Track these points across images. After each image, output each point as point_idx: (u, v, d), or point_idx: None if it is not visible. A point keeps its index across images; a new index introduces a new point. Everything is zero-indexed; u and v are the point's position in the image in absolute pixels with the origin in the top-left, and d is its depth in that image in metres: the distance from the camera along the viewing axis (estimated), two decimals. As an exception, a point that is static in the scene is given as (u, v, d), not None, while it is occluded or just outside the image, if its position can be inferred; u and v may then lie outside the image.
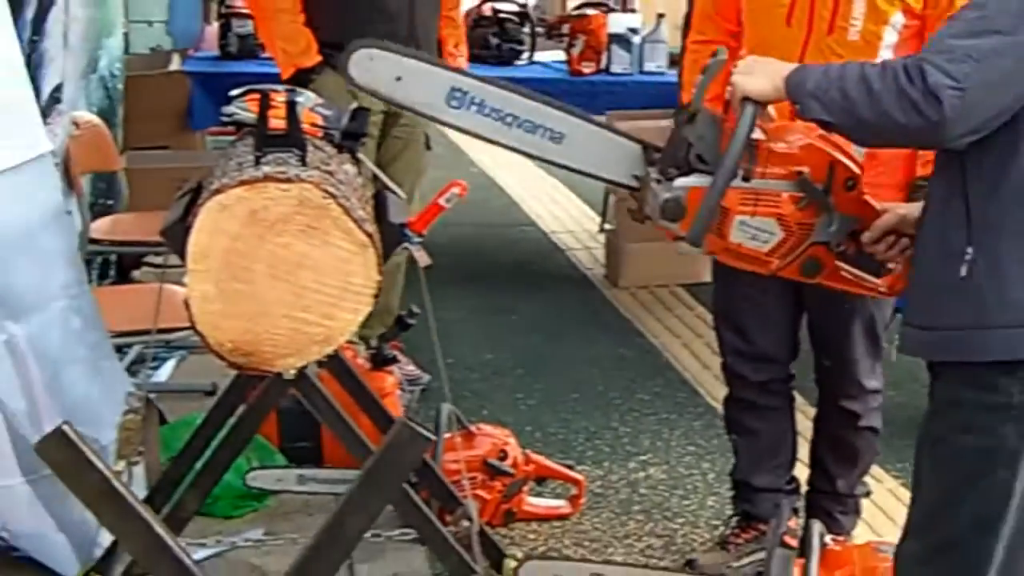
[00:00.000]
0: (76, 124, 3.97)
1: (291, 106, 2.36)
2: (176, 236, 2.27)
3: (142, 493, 2.86)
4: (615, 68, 5.39)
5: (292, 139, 2.34)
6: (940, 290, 2.03)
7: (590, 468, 3.85)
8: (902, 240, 2.24)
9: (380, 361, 3.59)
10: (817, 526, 2.82)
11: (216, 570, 3.16)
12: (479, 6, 5.60)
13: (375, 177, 3.93)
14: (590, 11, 5.48)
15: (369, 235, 2.24)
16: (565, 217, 7.08)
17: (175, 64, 5.54)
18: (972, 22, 1.88)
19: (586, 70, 5.35)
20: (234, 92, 2.69)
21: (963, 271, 1.96)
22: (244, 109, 2.61)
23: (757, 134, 2.14)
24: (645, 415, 4.30)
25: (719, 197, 2.08)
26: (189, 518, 2.69)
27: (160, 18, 6.99)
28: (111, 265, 4.56)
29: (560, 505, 3.49)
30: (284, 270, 2.21)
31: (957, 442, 2.05)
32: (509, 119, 2.33)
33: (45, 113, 3.52)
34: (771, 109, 2.21)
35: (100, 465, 2.06)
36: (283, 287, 2.22)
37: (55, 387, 2.88)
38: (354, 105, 2.79)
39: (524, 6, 5.60)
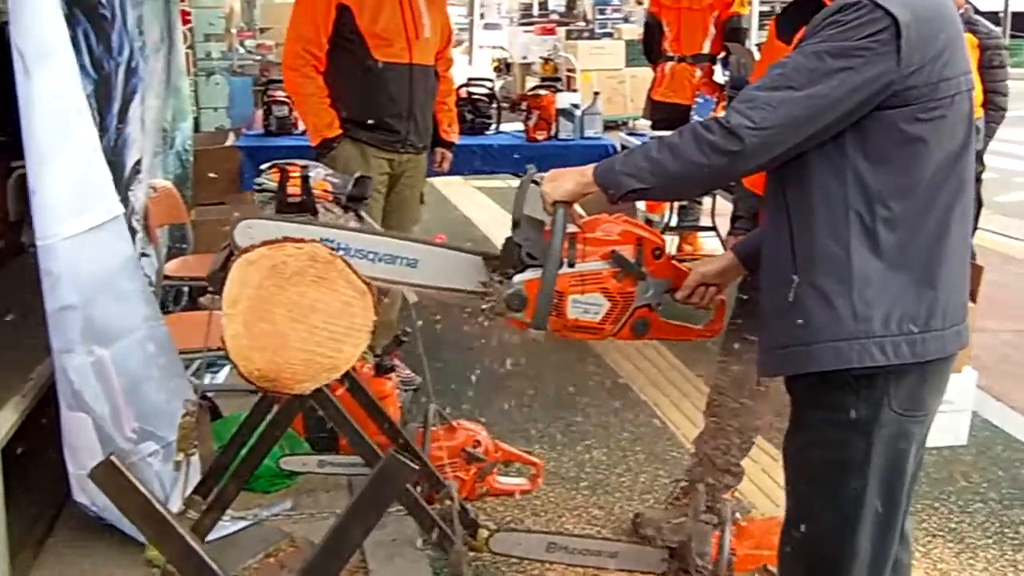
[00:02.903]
0: (154, 188, 3.86)
1: (304, 179, 2.24)
2: (217, 281, 2.16)
3: (197, 478, 2.77)
4: (562, 135, 5.34)
5: (305, 205, 2.22)
6: (775, 314, 1.89)
7: (546, 451, 3.72)
8: (710, 289, 2.12)
9: (382, 369, 3.45)
10: (730, 504, 2.72)
11: (254, 535, 3.04)
12: (458, 89, 5.52)
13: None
14: (542, 91, 5.42)
15: (367, 283, 2.11)
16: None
17: (230, 140, 5.41)
18: (774, 78, 1.77)
19: (539, 137, 5.31)
20: (263, 166, 2.58)
21: (791, 296, 1.82)
22: (269, 180, 2.50)
23: (573, 228, 2.02)
24: (590, 407, 4.16)
25: (551, 284, 1.96)
26: (234, 497, 2.54)
27: (223, 105, 6.92)
28: (183, 295, 4.45)
29: (522, 483, 3.35)
30: (300, 313, 2.09)
31: (810, 456, 1.91)
32: (371, 255, 2.21)
33: (128, 183, 3.40)
34: (578, 207, 2.07)
35: (142, 488, 1.91)
36: (299, 327, 2.10)
37: (133, 398, 2.80)
38: (358, 173, 2.68)
39: (491, 89, 5.54)
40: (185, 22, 6.03)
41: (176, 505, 2.78)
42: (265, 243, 2.08)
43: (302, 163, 2.63)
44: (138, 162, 3.38)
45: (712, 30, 6.02)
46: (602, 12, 13.75)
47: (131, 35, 3.14)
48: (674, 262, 2.09)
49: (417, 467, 2.21)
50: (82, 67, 2.86)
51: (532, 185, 2.02)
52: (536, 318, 1.95)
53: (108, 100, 3.04)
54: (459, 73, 5.48)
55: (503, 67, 14.26)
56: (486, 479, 3.27)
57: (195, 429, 2.53)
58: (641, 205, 6.42)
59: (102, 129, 3.03)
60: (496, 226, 7.43)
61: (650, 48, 6.39)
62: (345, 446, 3.37)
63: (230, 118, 6.92)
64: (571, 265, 1.98)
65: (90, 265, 2.59)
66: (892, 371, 1.80)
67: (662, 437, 3.89)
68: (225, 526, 3.02)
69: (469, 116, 5.57)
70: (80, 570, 2.86)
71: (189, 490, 2.70)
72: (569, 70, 11.97)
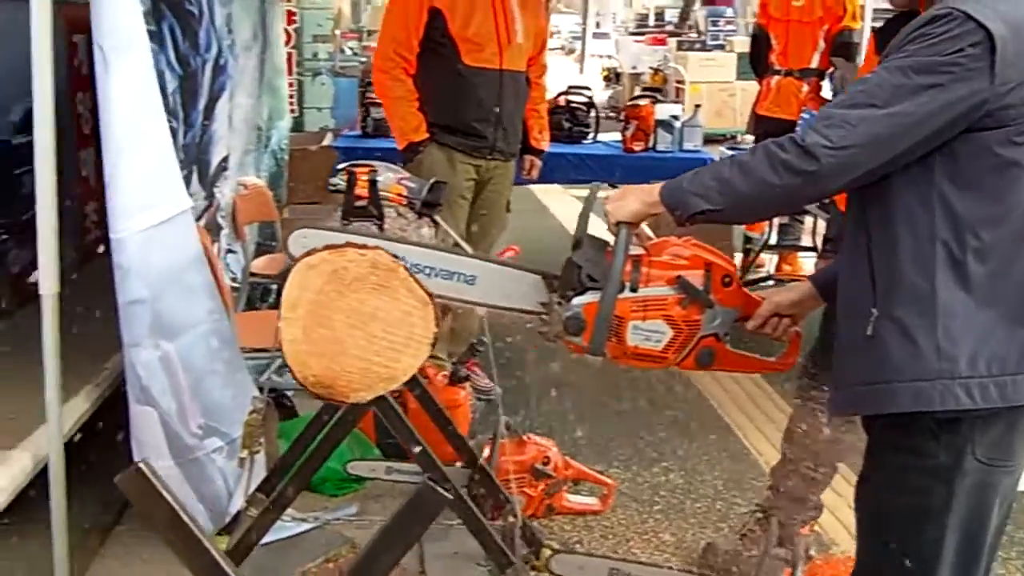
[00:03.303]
0: (244, 185, 3.86)
1: (372, 184, 2.17)
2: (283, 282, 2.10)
3: (262, 475, 2.75)
4: (660, 147, 5.16)
5: (372, 210, 2.15)
6: (851, 350, 1.73)
7: (620, 471, 3.57)
8: (784, 320, 1.95)
9: (456, 378, 3.38)
10: (804, 540, 2.55)
11: (316, 539, 3.00)
12: (556, 97, 5.44)
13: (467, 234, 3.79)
14: (642, 101, 5.28)
15: (429, 293, 2.03)
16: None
17: (328, 140, 5.43)
18: (854, 95, 1.62)
19: (636, 147, 5.15)
20: (339, 166, 2.53)
21: (869, 330, 1.66)
22: (342, 181, 2.44)
23: (639, 250, 1.89)
24: (669, 427, 3.99)
25: (610, 308, 1.83)
26: (292, 499, 2.48)
27: (328, 105, 6.97)
28: (271, 292, 4.44)
29: (592, 503, 3.24)
30: (359, 320, 2.02)
31: (885, 501, 1.75)
32: (428, 270, 2.12)
33: (215, 179, 3.40)
34: (646, 228, 1.93)
35: (168, 497, 1.86)
36: (358, 334, 2.03)
37: (198, 392, 2.77)
38: (434, 179, 2.60)
39: (590, 98, 5.42)
40: (290, 22, 6.08)
41: (239, 502, 2.76)
42: (327, 247, 2.01)
43: (377, 165, 2.57)
44: (225, 158, 3.38)
45: (822, 44, 5.78)
46: (715, 24, 13.48)
47: (220, 33, 3.13)
48: (746, 290, 1.94)
49: (452, 498, 2.12)
50: (168, 63, 2.87)
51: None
52: (593, 343, 1.84)
53: (194, 96, 3.03)
54: (569, 81, 5.39)
55: (612, 76, 14.11)
56: (555, 497, 3.17)
57: (261, 427, 2.48)
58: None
59: (187, 124, 3.03)
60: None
61: (757, 61, 6.18)
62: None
63: (334, 118, 6.98)
64: (634, 289, 1.86)
65: (159, 259, 2.57)
66: (978, 416, 1.64)
67: (743, 462, 3.72)
68: (288, 527, 2.99)
69: (567, 124, 5.48)
70: (140, 559, 2.87)
71: (253, 488, 2.67)
72: (678, 81, 11.75)
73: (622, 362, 1.92)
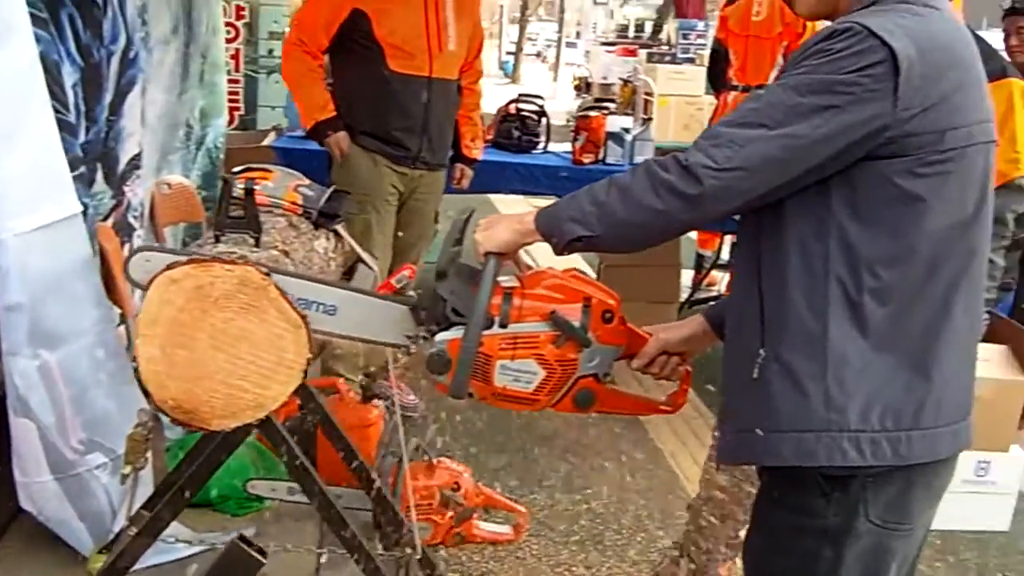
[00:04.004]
0: (168, 184, 3.66)
1: (248, 192, 1.98)
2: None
3: (149, 492, 2.57)
4: (610, 159, 4.94)
5: (248, 223, 1.97)
6: (736, 392, 1.57)
7: (541, 497, 3.41)
8: (672, 359, 1.78)
9: (368, 396, 3.20)
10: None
11: (205, 562, 2.80)
12: (507, 105, 5.26)
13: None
14: (592, 112, 5.06)
15: (302, 315, 1.86)
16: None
17: (269, 140, 5.22)
18: (745, 113, 1.45)
19: (586, 160, 4.94)
20: (235, 169, 2.34)
21: (755, 372, 1.50)
22: (267, 185, 2.26)
23: (512, 282, 1.71)
24: (599, 452, 3.82)
25: (474, 346, 1.64)
26: (166, 524, 2.28)
27: (281, 104, 6.78)
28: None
29: (505, 531, 3.06)
30: (224, 342, 1.85)
31: (769, 563, 1.59)
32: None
33: (124, 177, 3.21)
34: (525, 256, 1.76)
35: None
36: (222, 357, 1.86)
37: (80, 404, 2.61)
38: (333, 187, 2.41)
39: (541, 106, 5.24)
40: (239, 17, 5.88)
41: (122, 520, 2.59)
42: (192, 260, 1.84)
43: (275, 170, 2.39)
44: (136, 156, 3.19)
45: (780, 60, 5.64)
46: (685, 37, 13.31)
47: (131, 24, 2.94)
48: (631, 327, 1.77)
49: (264, 562, 2.00)
50: (67, 53, 2.68)
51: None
52: (454, 384, 1.65)
53: (98, 90, 2.85)
54: (542, 88, 5.19)
55: (583, 86, 13.95)
56: (464, 525, 3.00)
57: (146, 442, 2.30)
58: (693, 235, 6.05)
59: (90, 120, 2.84)
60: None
61: (715, 76, 6.07)
62: (323, 473, 3.13)
63: (287, 117, 6.77)
64: (503, 325, 1.66)
65: (40, 264, 2.40)
66: (871, 474, 1.48)
67: (672, 491, 3.57)
68: (175, 548, 2.80)
69: (516, 133, 5.29)
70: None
71: (138, 505, 2.50)
72: (647, 93, 11.62)
73: (491, 403, 1.74)
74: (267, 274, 1.83)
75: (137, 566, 2.81)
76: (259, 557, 1.70)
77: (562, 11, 14.23)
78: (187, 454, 2.61)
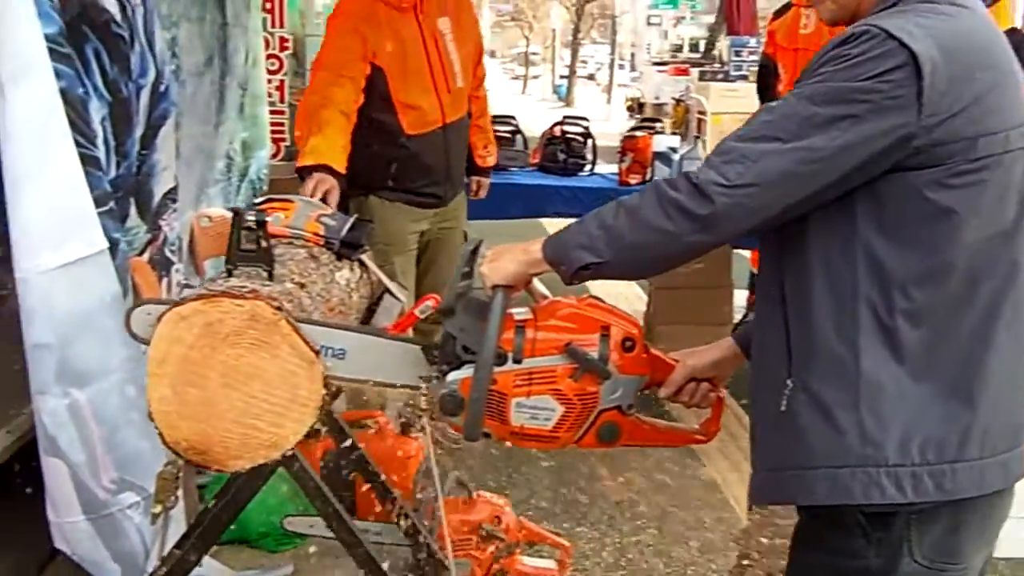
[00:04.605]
0: (209, 218, 3.62)
1: (259, 225, 1.91)
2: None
3: (182, 531, 2.50)
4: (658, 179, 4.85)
5: (260, 256, 1.90)
6: (765, 427, 1.45)
7: (587, 530, 3.28)
8: (702, 385, 1.66)
9: (407, 427, 3.10)
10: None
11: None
12: (551, 128, 5.18)
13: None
14: (639, 132, 5.00)
15: (316, 351, 1.77)
16: (618, 296, 6.38)
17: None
18: (758, 126, 1.35)
19: (632, 181, 4.85)
20: (257, 200, 2.28)
21: (783, 404, 1.38)
22: (279, 217, 2.20)
23: (526, 314, 1.60)
24: (648, 482, 3.67)
25: (483, 386, 1.54)
26: (193, 566, 2.21)
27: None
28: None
29: (549, 567, 2.94)
30: (236, 379, 1.78)
31: None
32: None
33: (159, 212, 3.18)
34: (540, 286, 1.65)
35: None
36: (235, 395, 1.78)
37: (112, 443, 2.53)
38: (355, 216, 2.33)
39: (587, 128, 5.14)
40: (283, 48, 5.88)
41: (154, 562, 2.52)
42: (200, 296, 1.77)
43: (296, 200, 2.32)
44: (172, 190, 3.15)
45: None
46: (737, 54, 13.13)
47: (160, 58, 2.91)
48: (657, 353, 1.65)
49: None
50: (94, 88, 2.64)
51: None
52: (467, 425, 1.55)
53: (128, 124, 2.81)
54: (596, 111, 5.11)
55: (636, 107, 13.84)
56: (506, 561, 2.88)
57: (176, 480, 2.24)
58: (746, 254, 5.86)
59: (121, 155, 2.81)
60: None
61: (764, 91, 5.88)
62: (363, 510, 3.06)
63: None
64: (517, 361, 1.56)
65: (67, 302, 2.34)
66: (914, 511, 1.35)
67: (725, 522, 3.40)
68: (211, 589, 2.74)
69: (561, 156, 5.23)
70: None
71: (169, 546, 2.44)
72: (700, 112, 11.46)
73: (511, 443, 1.64)
74: (279, 308, 1.75)
75: (173, 607, 2.79)
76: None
77: (614, 32, 14.12)
78: (216, 494, 2.54)
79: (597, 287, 1.79)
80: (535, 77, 33.76)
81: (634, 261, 1.42)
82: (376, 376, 1.82)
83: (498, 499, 2.92)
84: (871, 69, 1.27)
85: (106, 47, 2.63)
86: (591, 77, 24.84)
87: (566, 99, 24.86)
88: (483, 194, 3.92)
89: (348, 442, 2.39)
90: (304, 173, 2.78)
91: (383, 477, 2.53)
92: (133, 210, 2.98)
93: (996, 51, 1.35)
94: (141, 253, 3.09)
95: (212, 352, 1.75)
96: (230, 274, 1.91)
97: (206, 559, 2.91)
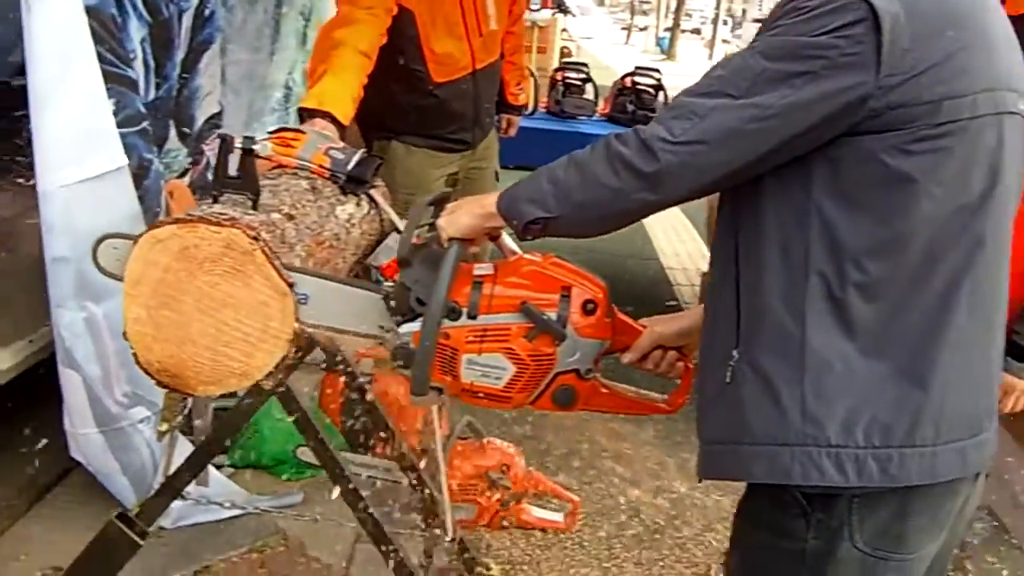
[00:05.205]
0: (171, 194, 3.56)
1: (246, 153, 1.87)
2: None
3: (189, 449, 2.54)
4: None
5: (245, 184, 1.87)
6: (709, 398, 1.36)
7: (604, 486, 3.22)
8: (669, 354, 1.56)
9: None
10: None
11: (246, 525, 2.78)
12: (622, 79, 5.05)
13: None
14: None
15: (289, 283, 1.74)
16: (684, 254, 6.24)
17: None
18: (710, 81, 1.25)
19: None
20: (270, 129, 2.24)
21: (728, 376, 1.30)
22: (266, 145, 2.15)
23: (487, 270, 1.52)
24: (677, 443, 3.59)
25: (431, 341, 1.47)
26: (184, 485, 2.21)
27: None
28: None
29: (556, 519, 2.90)
30: (209, 305, 1.75)
31: None
32: None
33: (202, 135, 3.18)
34: (509, 241, 1.57)
35: None
36: (208, 321, 1.76)
37: (125, 358, 2.52)
38: (362, 151, 2.25)
39: (659, 80, 4.99)
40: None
41: (160, 478, 2.56)
42: (177, 220, 1.75)
43: (309, 131, 2.28)
44: (216, 115, 3.16)
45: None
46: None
47: (206, -19, 2.90)
48: (623, 317, 1.56)
49: (142, 544, 1.95)
50: (134, 8, 2.65)
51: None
52: (413, 379, 1.49)
53: (168, 47, 2.81)
54: (695, 67, 4.93)
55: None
56: (512, 509, 2.85)
57: (183, 400, 2.26)
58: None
59: (161, 77, 2.81)
60: (663, 227, 6.84)
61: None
62: (380, 447, 3.06)
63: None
64: (472, 316, 1.49)
65: (86, 216, 2.36)
66: (858, 494, 1.26)
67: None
68: (217, 510, 2.76)
69: (631, 107, 5.12)
70: (63, 529, 2.68)
71: (176, 464, 2.47)
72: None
73: (463, 399, 1.58)
74: (255, 238, 1.72)
75: (183, 523, 2.84)
76: (137, 539, 1.60)
77: (723, -13, 13.70)
78: (218, 417, 2.56)
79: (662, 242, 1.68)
80: (642, 29, 33.01)
81: (583, 217, 1.34)
82: (338, 323, 1.77)
83: (509, 447, 2.88)
84: (828, 23, 1.16)
85: (146, -33, 2.63)
86: (696, 31, 24.18)
87: (668, 52, 24.25)
88: (512, 132, 3.76)
89: (355, 382, 2.39)
90: (305, 115, 2.47)
91: (385, 418, 2.52)
92: (173, 133, 2.99)
93: (968, 7, 1.22)
94: (181, 176, 3.11)
95: (187, 277, 1.73)
96: (215, 200, 1.88)
97: (222, 479, 2.98)
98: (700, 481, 1.47)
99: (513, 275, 1.52)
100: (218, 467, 3.03)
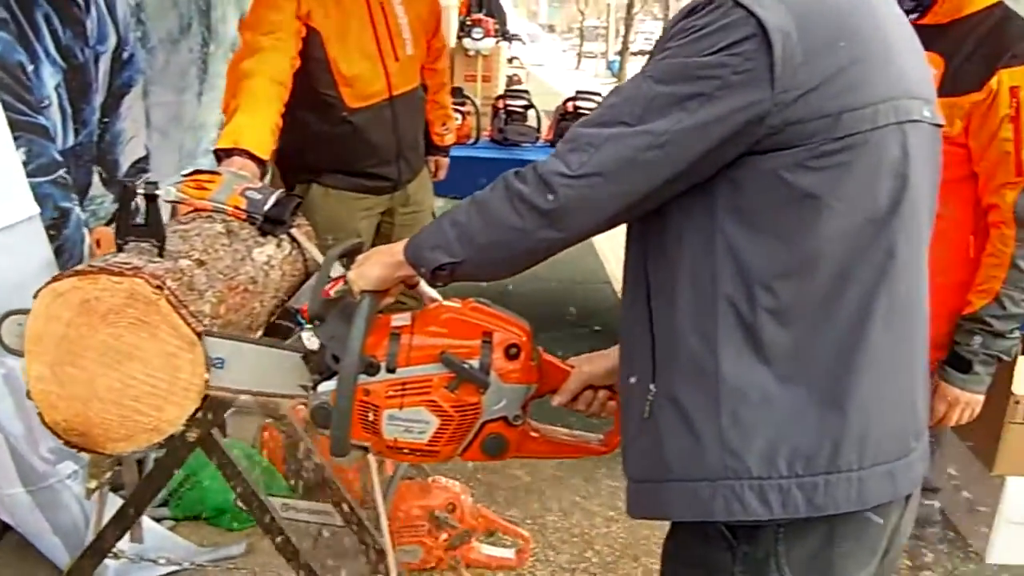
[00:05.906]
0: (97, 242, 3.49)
1: (149, 199, 1.79)
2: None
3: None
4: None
5: (150, 230, 1.78)
6: (631, 435, 1.30)
7: (558, 519, 3.14)
8: (600, 393, 1.49)
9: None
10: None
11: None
12: (564, 103, 5.01)
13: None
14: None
15: (198, 333, 1.66)
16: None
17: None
18: (603, 111, 1.20)
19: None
20: (184, 172, 2.15)
21: (646, 411, 1.24)
22: (174, 192, 2.06)
23: (404, 321, 1.45)
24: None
25: (347, 399, 1.39)
26: (111, 545, 2.11)
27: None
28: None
29: (507, 555, 2.81)
30: (114, 359, 1.67)
31: None
32: None
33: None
34: (428, 289, 1.50)
35: None
36: (113, 375, 1.67)
37: None
38: (280, 191, 2.16)
39: (600, 103, 4.95)
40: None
41: (91, 536, 2.45)
42: (77, 272, 1.66)
43: (225, 172, 2.19)
44: (142, 159, 3.06)
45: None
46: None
47: (123, 24, 2.81)
48: (550, 358, 1.49)
49: None
50: (46, 54, 2.55)
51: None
52: (333, 439, 1.41)
53: (86, 92, 2.72)
54: None
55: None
56: (461, 548, 2.76)
57: (109, 456, 2.14)
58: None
59: (79, 122, 2.72)
60: (616, 253, 6.72)
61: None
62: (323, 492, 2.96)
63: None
64: (391, 370, 1.41)
65: (-1, 268, 2.26)
66: (783, 524, 1.20)
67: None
68: (155, 567, 2.65)
69: (573, 132, 5.07)
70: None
71: (105, 520, 2.36)
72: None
73: (388, 456, 1.50)
74: (159, 287, 1.63)
75: (121, 583, 2.72)
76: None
77: (667, 8, 13.81)
78: (147, 474, 2.45)
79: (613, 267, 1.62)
80: (591, 56, 33.19)
81: (489, 260, 1.28)
82: (257, 387, 1.69)
83: (455, 485, 2.80)
84: (717, 42, 1.11)
85: (59, 13, 2.54)
86: (644, 53, 24.34)
87: (618, 75, 24.38)
88: (442, 175, 3.58)
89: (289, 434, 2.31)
90: (222, 155, 2.31)
91: (323, 465, 2.43)
92: (97, 179, 2.90)
93: (862, 18, 1.17)
94: (109, 223, 3.01)
95: (89, 331, 1.65)
96: (120, 249, 1.79)
97: (162, 534, 2.86)
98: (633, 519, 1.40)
99: (432, 324, 1.45)
100: (159, 520, 2.92)
